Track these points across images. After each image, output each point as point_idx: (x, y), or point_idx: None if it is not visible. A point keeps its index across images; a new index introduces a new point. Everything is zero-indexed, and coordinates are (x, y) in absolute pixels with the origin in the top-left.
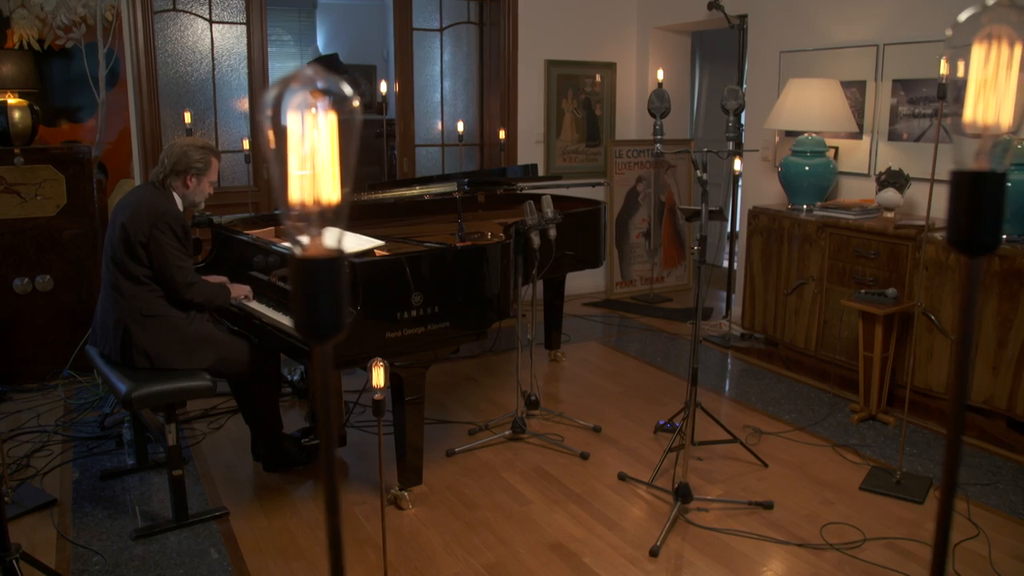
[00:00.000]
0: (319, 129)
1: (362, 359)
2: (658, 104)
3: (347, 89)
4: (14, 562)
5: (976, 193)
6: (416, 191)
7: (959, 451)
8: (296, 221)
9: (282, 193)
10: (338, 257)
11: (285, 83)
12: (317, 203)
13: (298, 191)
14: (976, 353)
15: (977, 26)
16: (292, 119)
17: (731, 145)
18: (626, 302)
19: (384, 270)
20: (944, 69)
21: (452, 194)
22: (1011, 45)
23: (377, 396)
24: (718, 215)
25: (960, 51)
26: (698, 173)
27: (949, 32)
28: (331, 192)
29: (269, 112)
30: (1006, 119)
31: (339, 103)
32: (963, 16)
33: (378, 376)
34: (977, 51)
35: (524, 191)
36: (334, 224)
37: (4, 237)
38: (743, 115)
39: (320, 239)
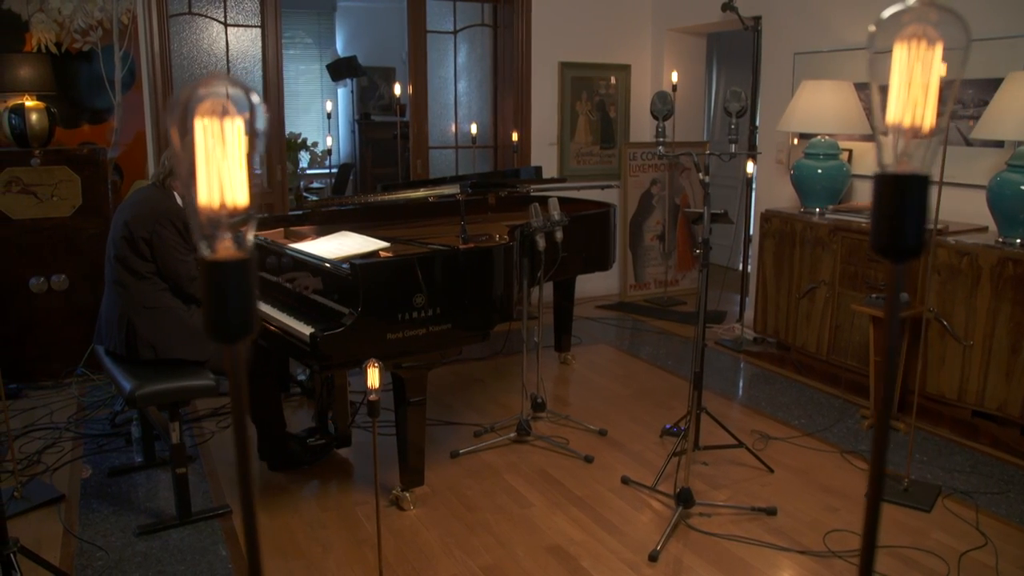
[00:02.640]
0: (227, 134)
1: (364, 360)
2: (660, 106)
3: (254, 97)
4: (12, 556)
5: (899, 196)
6: (421, 193)
7: (887, 435)
8: (205, 224)
9: (190, 197)
10: (247, 259)
11: (193, 89)
12: (224, 206)
13: (206, 194)
14: (989, 359)
15: (898, 26)
16: (199, 125)
17: (733, 147)
18: (639, 305)
19: (385, 271)
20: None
21: (455, 196)
22: (931, 45)
23: (372, 397)
24: (723, 218)
25: (883, 51)
26: (700, 176)
27: (872, 28)
28: (238, 196)
29: (177, 117)
30: (928, 120)
31: (245, 110)
32: (884, 15)
33: (373, 377)
34: (898, 51)
35: (535, 193)
36: (242, 226)
37: (21, 237)
38: (757, 117)
39: (229, 241)
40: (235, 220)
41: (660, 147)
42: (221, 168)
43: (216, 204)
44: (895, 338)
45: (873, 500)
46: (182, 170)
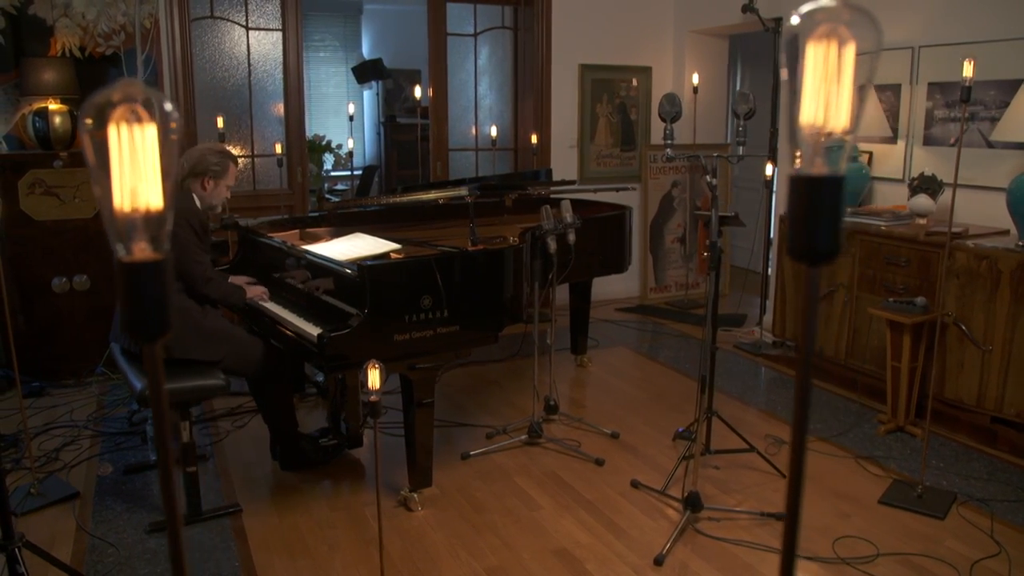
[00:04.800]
0: (140, 140)
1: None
2: (668, 108)
3: (168, 105)
4: (16, 551)
5: (813, 198)
6: (431, 195)
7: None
8: (121, 227)
9: (107, 201)
10: (162, 260)
11: (107, 96)
12: (136, 210)
13: (119, 198)
14: (1009, 364)
15: (812, 25)
16: (112, 130)
17: (741, 149)
18: (660, 308)
19: (392, 273)
20: (968, 71)
21: (464, 198)
22: (843, 45)
23: (372, 398)
24: (734, 220)
25: (796, 52)
26: (708, 178)
27: (796, 20)
28: (152, 199)
29: (90, 123)
30: (841, 121)
31: (159, 115)
32: (802, 11)
33: (373, 378)
34: (811, 51)
35: (554, 196)
36: (157, 229)
37: (44, 238)
38: (778, 119)
39: (144, 243)
40: (151, 223)
41: (668, 149)
42: (134, 172)
43: (128, 208)
44: (811, 339)
45: (795, 465)
46: (96, 174)
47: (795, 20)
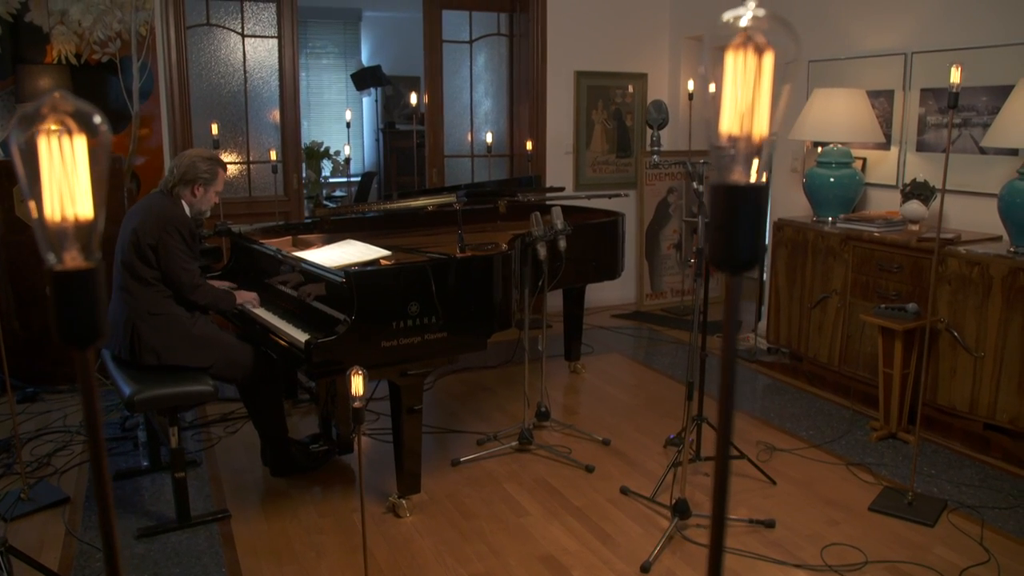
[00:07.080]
0: (69, 151)
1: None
2: (655, 115)
3: (96, 118)
4: (0, 555)
5: (733, 207)
6: (421, 201)
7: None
8: (51, 236)
9: (37, 211)
10: (94, 269)
11: (37, 108)
12: (65, 220)
13: (49, 208)
14: (1001, 371)
15: (729, 34)
16: (42, 143)
17: None
18: (656, 314)
19: (378, 279)
20: (956, 77)
21: (452, 205)
22: (761, 54)
23: (356, 404)
24: None
25: (715, 61)
26: (695, 185)
27: (724, 21)
28: (82, 209)
29: (21, 136)
30: (760, 129)
31: (89, 127)
32: (717, 24)
33: (357, 384)
34: (730, 60)
35: (550, 202)
36: (88, 238)
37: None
38: None
39: (75, 252)
40: (80, 232)
41: (655, 156)
42: (63, 183)
43: (58, 217)
44: (733, 343)
45: (721, 462)
46: (26, 186)
47: (729, 18)
